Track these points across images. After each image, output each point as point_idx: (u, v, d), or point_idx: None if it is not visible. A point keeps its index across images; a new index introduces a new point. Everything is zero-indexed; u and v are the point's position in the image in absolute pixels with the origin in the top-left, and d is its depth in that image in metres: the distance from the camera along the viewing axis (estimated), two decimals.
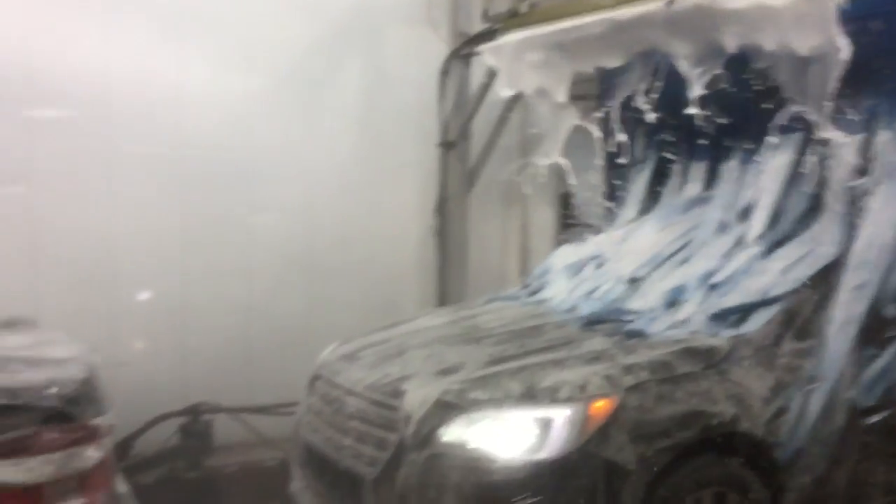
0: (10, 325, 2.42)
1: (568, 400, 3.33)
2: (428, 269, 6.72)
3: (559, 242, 5.83)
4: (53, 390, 2.29)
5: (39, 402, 2.22)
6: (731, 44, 3.94)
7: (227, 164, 5.84)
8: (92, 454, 2.29)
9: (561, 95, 4.93)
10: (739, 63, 4.05)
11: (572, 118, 4.97)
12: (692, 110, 4.02)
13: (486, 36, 5.80)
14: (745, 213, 4.36)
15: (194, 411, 5.40)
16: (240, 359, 5.80)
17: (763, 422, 3.49)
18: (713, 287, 4.00)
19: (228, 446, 5.44)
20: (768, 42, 3.82)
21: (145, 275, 5.54)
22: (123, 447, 5.01)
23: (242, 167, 5.91)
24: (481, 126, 6.61)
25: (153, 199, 5.56)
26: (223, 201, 5.84)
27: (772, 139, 4.23)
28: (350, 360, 4.01)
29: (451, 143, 6.61)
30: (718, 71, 4.04)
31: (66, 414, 2.26)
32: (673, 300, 4.05)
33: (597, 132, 4.93)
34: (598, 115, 4.90)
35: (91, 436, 2.30)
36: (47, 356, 2.64)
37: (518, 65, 5.14)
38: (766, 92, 4.09)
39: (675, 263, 4.40)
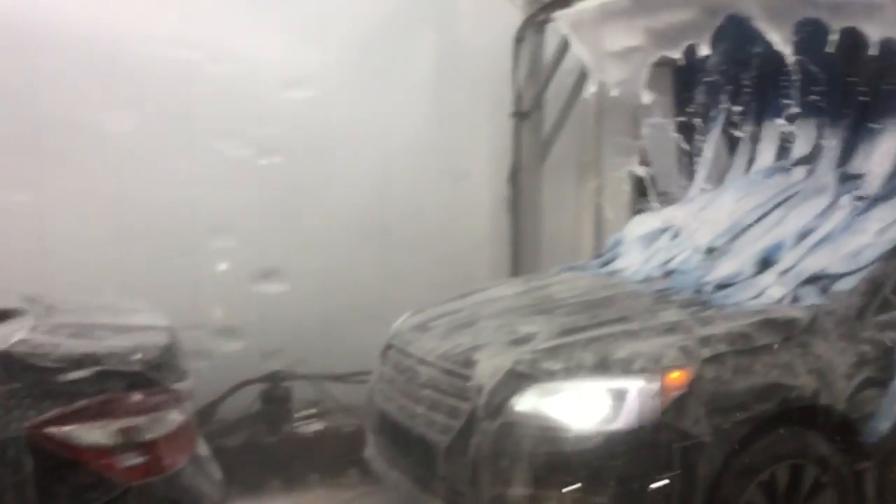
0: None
1: (642, 371, 3.30)
2: (501, 240, 6.66)
3: (634, 213, 5.75)
4: (137, 356, 2.36)
5: (124, 367, 2.30)
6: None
7: (303, 138, 5.88)
8: (174, 417, 2.37)
9: (637, 62, 4.84)
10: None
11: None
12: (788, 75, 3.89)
13: (561, 2, 5.71)
14: (848, 177, 4.22)
15: (274, 378, 5.52)
16: (317, 328, 5.90)
17: (845, 396, 3.41)
18: (809, 245, 3.92)
19: (308, 411, 5.56)
20: None
21: (226, 247, 5.66)
22: (207, 412, 5.18)
23: (318, 139, 5.97)
24: (555, 95, 6.50)
25: (231, 172, 5.65)
26: (300, 173, 5.88)
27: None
28: (422, 330, 4.04)
29: (525, 113, 6.53)
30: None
31: (149, 379, 2.33)
32: (768, 259, 3.97)
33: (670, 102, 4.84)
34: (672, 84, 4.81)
35: (173, 400, 2.38)
36: (131, 324, 2.73)
37: (593, 31, 5.07)
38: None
39: (760, 230, 4.31)
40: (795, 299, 3.71)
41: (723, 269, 4.13)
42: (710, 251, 4.25)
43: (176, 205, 5.46)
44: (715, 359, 3.32)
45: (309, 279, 5.94)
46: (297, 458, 5.13)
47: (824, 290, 3.68)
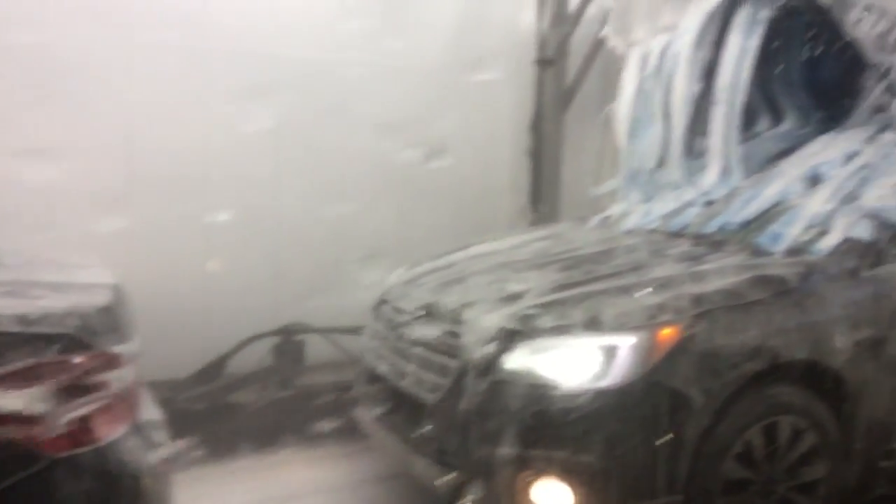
0: None
1: (634, 327, 3.21)
2: (521, 190, 6.61)
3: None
4: (71, 317, 2.26)
5: (56, 329, 2.19)
6: None
7: (320, 85, 5.83)
8: (111, 383, 2.28)
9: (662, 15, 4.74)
10: None
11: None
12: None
13: None
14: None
15: (286, 331, 5.51)
16: (331, 279, 5.85)
17: (836, 352, 3.31)
18: (856, 168, 3.82)
19: (320, 366, 5.54)
20: None
21: (239, 194, 5.62)
22: (217, 367, 5.20)
23: (336, 86, 5.89)
24: (579, 43, 6.38)
25: (247, 118, 5.59)
26: (317, 121, 5.85)
27: None
28: (415, 285, 3.97)
29: (549, 61, 6.43)
30: None
31: (83, 342, 2.23)
32: (816, 176, 3.89)
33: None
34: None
35: (111, 364, 2.29)
36: (73, 282, 2.65)
37: None
38: None
39: (801, 157, 4.25)
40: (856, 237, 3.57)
41: (766, 195, 4.02)
42: (709, 204, 4.08)
43: (188, 150, 5.38)
44: (706, 315, 3.22)
45: (324, 228, 5.93)
46: (310, 412, 5.13)
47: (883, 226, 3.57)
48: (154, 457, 2.33)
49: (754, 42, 4.52)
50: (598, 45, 6.26)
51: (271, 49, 5.61)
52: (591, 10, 6.19)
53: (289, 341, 5.51)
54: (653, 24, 5.04)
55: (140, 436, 2.34)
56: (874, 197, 3.71)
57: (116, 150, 5.23)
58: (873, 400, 3.43)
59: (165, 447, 2.44)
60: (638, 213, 4.41)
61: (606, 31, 5.45)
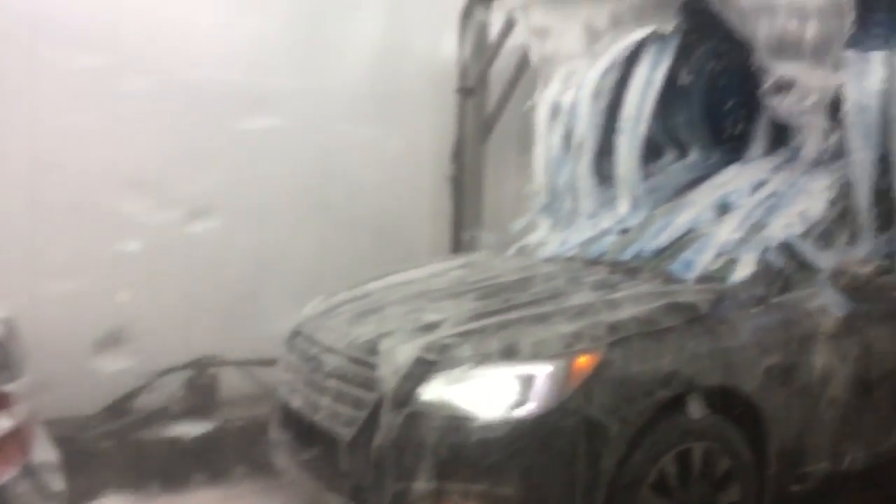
0: None
1: (550, 356, 3.21)
2: (443, 218, 6.58)
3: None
4: None
5: None
6: None
7: (238, 109, 5.68)
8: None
9: (574, 42, 4.88)
10: None
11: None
12: None
13: None
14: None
15: (199, 364, 5.34)
16: (247, 310, 5.72)
17: (747, 378, 3.37)
18: (763, 197, 3.96)
19: (234, 399, 5.39)
20: None
21: (148, 222, 5.45)
22: (125, 402, 5.01)
23: (255, 112, 5.76)
24: (500, 72, 6.43)
25: (160, 140, 5.41)
26: (233, 146, 5.69)
27: None
28: (330, 316, 3.90)
29: (470, 90, 6.48)
30: None
31: None
32: (726, 204, 4.03)
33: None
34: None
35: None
36: None
37: (537, 11, 5.13)
38: None
39: (711, 187, 4.39)
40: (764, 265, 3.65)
41: (678, 224, 4.11)
42: (624, 232, 4.13)
43: (95, 174, 5.15)
44: (621, 343, 3.24)
45: (240, 259, 5.79)
46: (223, 451, 4.97)
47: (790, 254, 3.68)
48: (47, 499, 2.20)
49: (659, 73, 4.62)
50: (519, 74, 6.34)
51: (186, 74, 5.49)
52: (512, 41, 6.25)
53: (202, 375, 5.34)
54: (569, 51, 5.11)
55: (33, 479, 2.20)
56: (781, 225, 3.79)
57: (20, 176, 5.03)
58: (785, 424, 3.49)
59: (59, 488, 2.30)
60: (555, 240, 4.43)
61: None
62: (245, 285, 5.80)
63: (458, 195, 6.54)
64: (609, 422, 3.12)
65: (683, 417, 3.27)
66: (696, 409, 3.29)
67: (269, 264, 5.89)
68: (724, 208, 4.11)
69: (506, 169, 6.59)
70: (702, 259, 3.76)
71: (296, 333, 3.96)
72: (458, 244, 6.45)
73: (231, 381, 5.43)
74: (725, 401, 3.35)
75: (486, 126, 6.54)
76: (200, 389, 5.29)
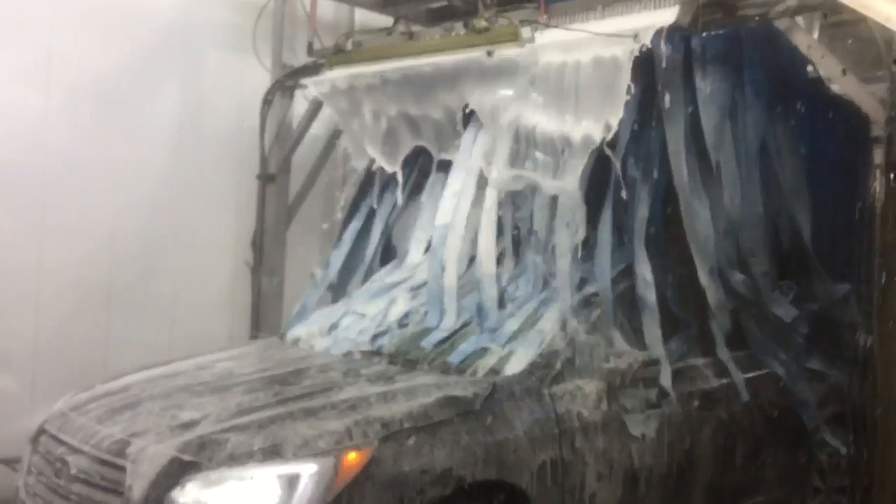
0: None
1: (317, 454, 3.03)
2: (242, 306, 6.43)
3: None
4: None
5: None
6: None
7: (19, 185, 5.38)
8: None
9: (378, 134, 5.02)
10: None
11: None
12: None
13: (311, 70, 5.80)
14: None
15: None
16: (22, 404, 5.23)
17: (521, 472, 3.30)
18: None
19: None
20: None
21: None
22: None
23: (37, 188, 5.45)
24: (302, 160, 6.47)
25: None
26: (11, 222, 5.35)
27: None
28: (79, 413, 3.55)
29: (271, 176, 6.51)
30: None
31: None
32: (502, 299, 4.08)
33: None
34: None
35: None
36: None
37: (341, 101, 5.20)
38: None
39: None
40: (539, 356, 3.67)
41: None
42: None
43: None
44: (392, 438, 3.10)
45: (14, 346, 5.35)
46: None
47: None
48: None
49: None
50: (321, 161, 6.42)
51: None
52: (315, 129, 6.26)
53: None
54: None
55: None
56: (554, 317, 3.84)
57: None
58: None
59: None
60: (336, 330, 4.32)
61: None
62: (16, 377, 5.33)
63: (258, 282, 6.42)
64: None
65: None
66: None
67: (45, 355, 5.45)
68: (501, 301, 4.10)
69: (308, 255, 6.52)
70: (478, 351, 3.75)
71: (41, 432, 3.58)
72: (258, 332, 6.27)
73: None
74: (501, 496, 3.27)
75: (289, 212, 6.52)
76: None
